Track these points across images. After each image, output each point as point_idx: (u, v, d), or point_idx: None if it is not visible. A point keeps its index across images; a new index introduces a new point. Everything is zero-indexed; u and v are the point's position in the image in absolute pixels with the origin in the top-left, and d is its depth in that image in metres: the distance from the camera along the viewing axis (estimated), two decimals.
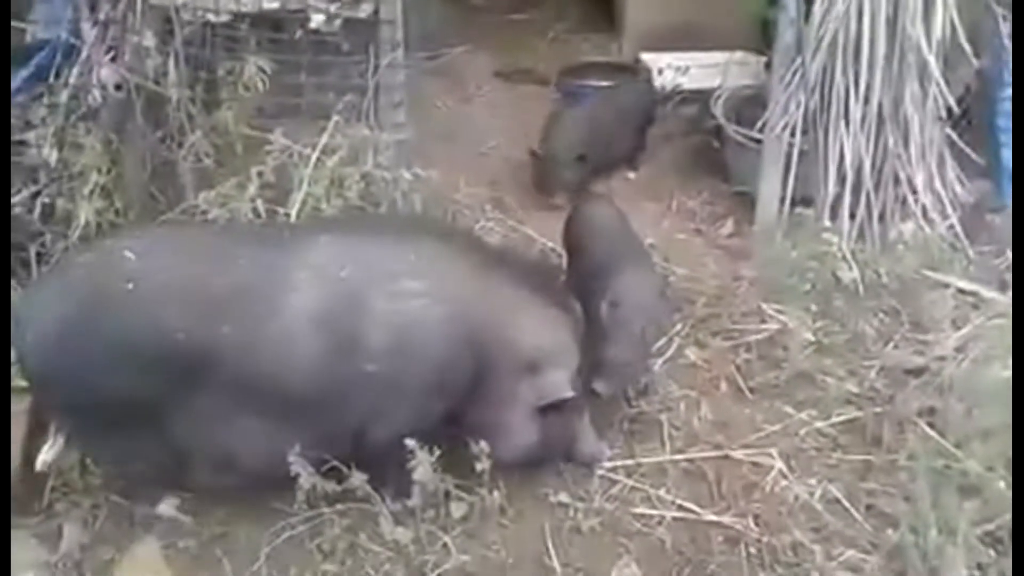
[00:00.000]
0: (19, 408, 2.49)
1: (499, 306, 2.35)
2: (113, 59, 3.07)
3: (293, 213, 2.86)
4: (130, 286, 2.06)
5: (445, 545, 2.35)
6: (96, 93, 3.04)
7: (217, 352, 2.09)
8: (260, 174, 2.90)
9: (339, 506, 2.36)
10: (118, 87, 3.03)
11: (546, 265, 3.16)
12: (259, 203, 2.85)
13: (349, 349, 2.16)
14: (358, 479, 2.27)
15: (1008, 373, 2.68)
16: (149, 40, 3.04)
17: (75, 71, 3.08)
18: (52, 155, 3.00)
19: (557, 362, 2.42)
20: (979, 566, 2.24)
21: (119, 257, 2.12)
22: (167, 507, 2.43)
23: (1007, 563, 2.22)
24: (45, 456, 2.33)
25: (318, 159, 2.93)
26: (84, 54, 3.08)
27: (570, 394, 2.40)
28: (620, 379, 2.69)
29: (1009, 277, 3.32)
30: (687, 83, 4.65)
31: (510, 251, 3.26)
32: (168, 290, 2.09)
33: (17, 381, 2.40)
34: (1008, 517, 2.29)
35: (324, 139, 2.98)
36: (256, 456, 2.23)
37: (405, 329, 2.20)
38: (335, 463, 2.26)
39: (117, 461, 2.38)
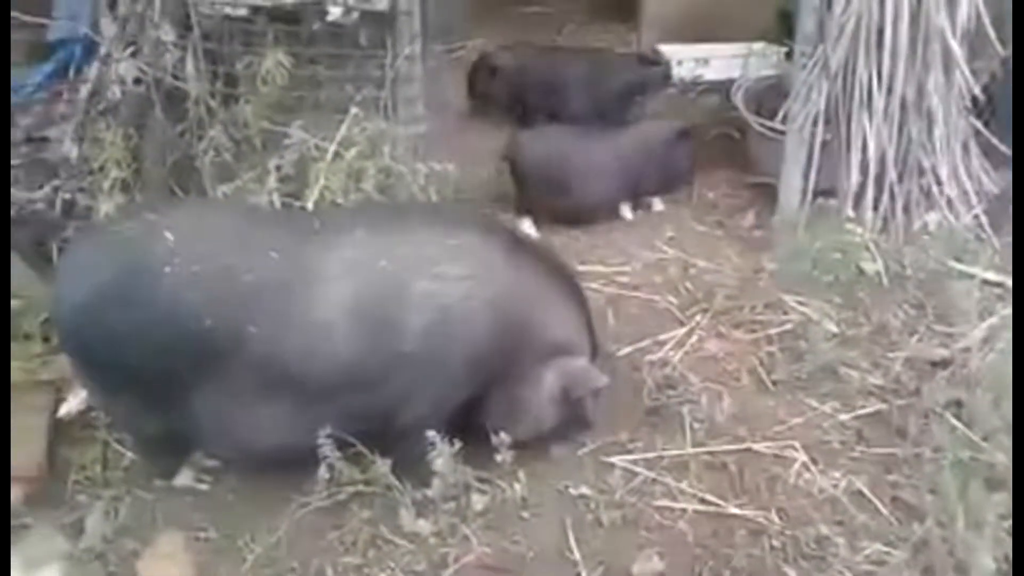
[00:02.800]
0: (41, 401, 2.53)
1: (531, 291, 2.41)
2: (132, 54, 3.07)
3: (309, 206, 2.85)
4: (167, 269, 2.08)
5: (466, 537, 2.34)
6: (116, 88, 3.04)
7: (246, 341, 2.11)
8: (278, 168, 2.92)
9: (360, 487, 2.37)
10: (137, 82, 3.04)
11: (560, 256, 3.14)
12: (276, 196, 2.86)
13: (388, 333, 2.19)
14: (382, 467, 2.29)
15: None
16: (168, 35, 3.03)
17: (95, 66, 3.10)
18: (73, 150, 3.01)
19: (578, 349, 2.51)
20: (1007, 559, 2.19)
21: (159, 236, 2.13)
22: (185, 478, 2.46)
23: None
24: (68, 407, 2.42)
25: (336, 152, 2.93)
26: (104, 50, 3.09)
27: (605, 383, 2.47)
28: None
29: None
30: (707, 74, 4.63)
31: (531, 240, 3.25)
32: (203, 277, 2.10)
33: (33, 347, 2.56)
34: None
35: (342, 132, 2.97)
36: (275, 441, 2.26)
37: (446, 310, 2.23)
38: (360, 448, 2.28)
39: (136, 429, 2.41)
